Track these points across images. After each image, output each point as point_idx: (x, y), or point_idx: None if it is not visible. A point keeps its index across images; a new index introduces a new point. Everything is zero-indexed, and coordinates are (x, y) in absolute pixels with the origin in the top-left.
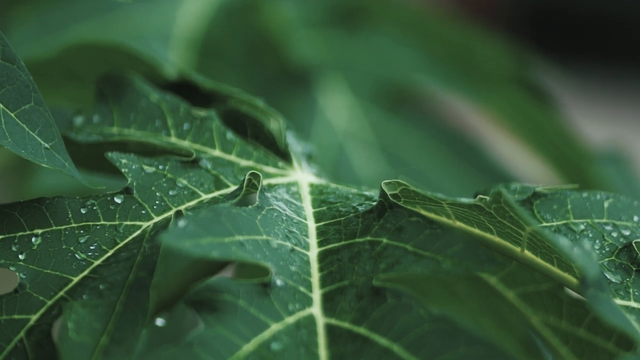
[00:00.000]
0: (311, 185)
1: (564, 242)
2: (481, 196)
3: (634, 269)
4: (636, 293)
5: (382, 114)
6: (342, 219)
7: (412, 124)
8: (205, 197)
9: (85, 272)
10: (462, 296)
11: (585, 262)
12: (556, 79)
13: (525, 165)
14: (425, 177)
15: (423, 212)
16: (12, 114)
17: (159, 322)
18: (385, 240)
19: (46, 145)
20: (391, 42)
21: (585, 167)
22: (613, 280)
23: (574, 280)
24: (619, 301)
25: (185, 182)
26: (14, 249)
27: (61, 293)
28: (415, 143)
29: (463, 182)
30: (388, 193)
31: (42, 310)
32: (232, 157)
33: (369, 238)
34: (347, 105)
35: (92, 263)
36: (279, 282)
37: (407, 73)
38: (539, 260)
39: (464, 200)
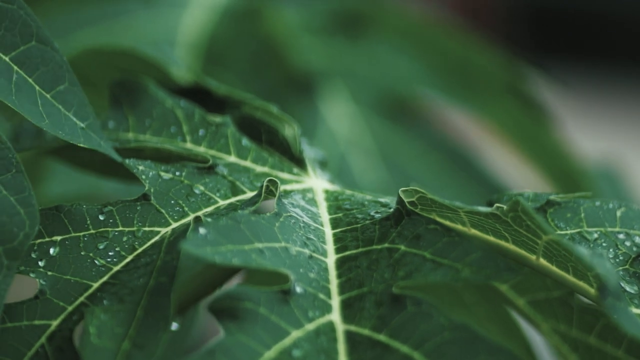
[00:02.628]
0: (326, 191)
1: (583, 251)
2: (498, 205)
3: None
4: None
5: (382, 123)
6: (359, 225)
7: (411, 133)
8: (222, 203)
9: (105, 278)
10: (468, 303)
11: (605, 271)
12: (551, 88)
13: (522, 177)
14: (423, 186)
15: (438, 219)
16: (48, 96)
17: (173, 326)
18: (403, 248)
19: (82, 125)
20: (391, 50)
21: (580, 181)
22: (627, 289)
23: (589, 288)
24: (634, 310)
25: (202, 188)
26: (33, 255)
27: (81, 299)
28: (414, 152)
29: (460, 192)
30: (405, 200)
31: (63, 316)
32: (248, 163)
33: (386, 245)
34: (348, 113)
35: (112, 269)
36: (298, 289)
37: (406, 82)
38: (554, 268)
39: (481, 208)
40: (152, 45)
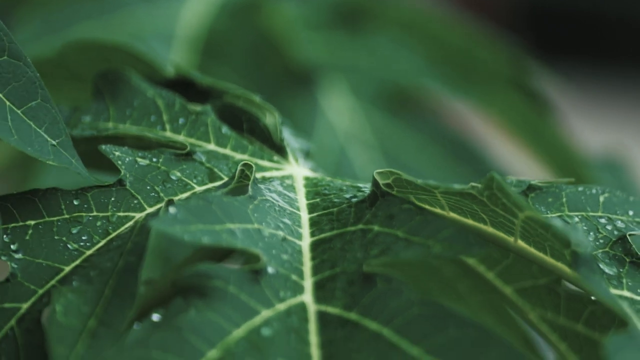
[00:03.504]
0: (306, 178)
1: (557, 222)
2: (473, 184)
3: (627, 260)
4: (629, 283)
5: (383, 116)
6: (335, 209)
7: (412, 126)
8: (198, 189)
9: (77, 262)
10: (462, 293)
11: (578, 239)
12: (554, 83)
13: (525, 169)
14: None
15: (416, 204)
16: (19, 111)
17: (155, 317)
18: (376, 228)
19: (53, 142)
20: (392, 43)
21: (582, 174)
22: (607, 270)
23: (566, 269)
24: (612, 290)
25: (178, 174)
26: (6, 239)
27: (52, 282)
28: (415, 145)
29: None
30: (380, 182)
31: (33, 299)
32: (227, 151)
33: (360, 226)
34: (348, 107)
35: (84, 253)
36: (270, 270)
37: (407, 75)
38: (532, 249)
39: (456, 186)
40: (148, 40)
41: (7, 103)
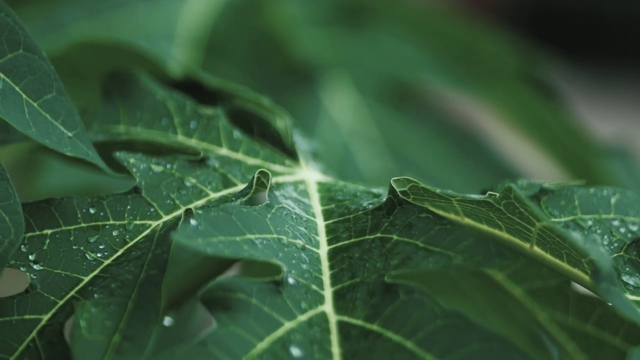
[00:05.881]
0: (319, 183)
1: (576, 236)
2: (491, 192)
3: None
4: None
5: (387, 112)
6: (351, 216)
7: (417, 121)
8: (213, 195)
9: (96, 272)
10: (467, 291)
11: (599, 255)
12: (561, 75)
13: (531, 161)
14: (430, 174)
15: (431, 209)
16: (35, 104)
17: (167, 321)
18: (395, 237)
19: (69, 134)
20: (395, 40)
21: (591, 163)
22: (622, 276)
23: (583, 275)
24: (628, 296)
25: (193, 181)
26: (23, 249)
27: (72, 292)
28: (420, 140)
29: (468, 178)
30: (397, 190)
31: (54, 310)
32: (239, 156)
33: (379, 235)
34: (351, 103)
35: (103, 262)
36: (291, 280)
37: (411, 70)
38: (548, 256)
39: (474, 196)
40: (150, 38)
41: (24, 96)
